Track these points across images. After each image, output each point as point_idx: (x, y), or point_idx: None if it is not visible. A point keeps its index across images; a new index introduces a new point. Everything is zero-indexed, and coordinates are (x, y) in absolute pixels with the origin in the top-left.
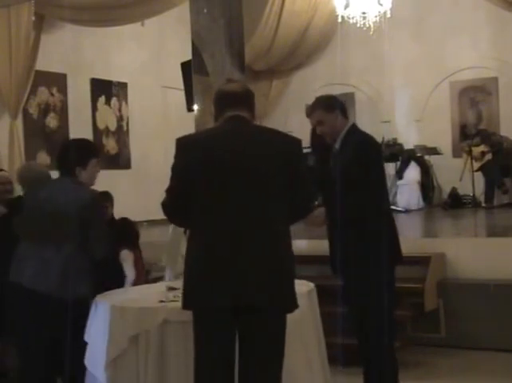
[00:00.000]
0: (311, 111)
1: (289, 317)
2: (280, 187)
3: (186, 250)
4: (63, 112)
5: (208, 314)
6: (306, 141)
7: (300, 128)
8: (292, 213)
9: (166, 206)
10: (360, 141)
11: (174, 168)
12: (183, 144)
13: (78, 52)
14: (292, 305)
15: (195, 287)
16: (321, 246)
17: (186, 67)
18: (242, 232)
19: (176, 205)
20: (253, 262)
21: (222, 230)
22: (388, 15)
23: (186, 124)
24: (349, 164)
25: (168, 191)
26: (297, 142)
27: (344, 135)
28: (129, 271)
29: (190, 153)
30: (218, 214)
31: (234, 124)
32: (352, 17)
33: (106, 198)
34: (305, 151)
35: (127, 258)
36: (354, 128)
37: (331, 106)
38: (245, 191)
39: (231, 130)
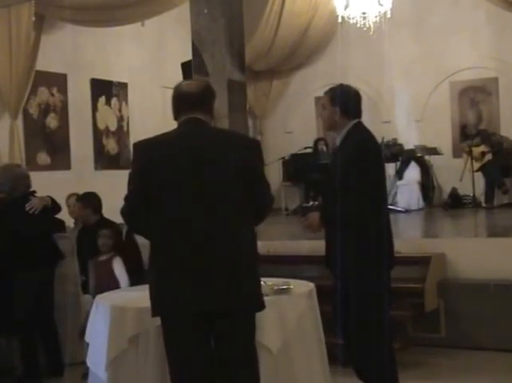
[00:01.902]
0: (326, 92)
1: (290, 317)
2: (238, 188)
3: (148, 258)
4: (63, 113)
5: (175, 320)
6: (308, 141)
7: (300, 128)
8: (250, 215)
9: (125, 213)
10: (359, 141)
11: (131, 173)
12: (139, 148)
13: (78, 52)
14: (257, 305)
15: (161, 294)
16: (321, 247)
17: (186, 67)
18: (201, 235)
19: (135, 211)
20: (213, 264)
21: (181, 234)
22: (388, 15)
23: None
24: (348, 164)
25: (126, 197)
26: (255, 143)
27: (345, 133)
28: (123, 276)
29: (146, 156)
30: (175, 218)
31: (190, 127)
32: (353, 18)
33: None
34: (307, 151)
35: (119, 265)
36: (357, 127)
37: (333, 100)
38: (202, 193)
39: (187, 132)
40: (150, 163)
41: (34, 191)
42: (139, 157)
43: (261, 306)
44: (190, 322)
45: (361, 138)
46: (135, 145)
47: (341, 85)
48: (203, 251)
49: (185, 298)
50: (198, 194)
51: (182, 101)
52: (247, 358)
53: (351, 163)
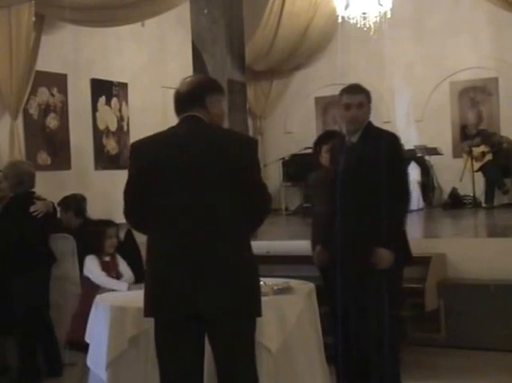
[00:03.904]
0: (357, 91)
1: (289, 317)
2: (233, 187)
3: (145, 257)
4: (63, 113)
5: (168, 321)
6: (308, 142)
7: (300, 128)
8: (248, 215)
9: (126, 214)
10: (392, 140)
11: (128, 173)
12: (135, 148)
13: (78, 52)
14: (252, 307)
15: (155, 295)
16: None
17: None
18: (200, 235)
19: (134, 211)
20: (211, 265)
21: (179, 233)
22: (388, 15)
23: None
24: (387, 162)
25: (124, 198)
26: (251, 142)
27: (363, 130)
28: (127, 271)
29: (141, 156)
30: (168, 217)
31: (186, 125)
32: (353, 18)
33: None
34: (307, 151)
35: (121, 260)
36: (371, 124)
37: (369, 97)
38: (194, 193)
39: (182, 131)
40: (145, 165)
41: (34, 192)
42: (135, 159)
43: (257, 311)
44: (183, 323)
45: (392, 136)
46: (132, 146)
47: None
48: (201, 251)
49: (180, 298)
50: (192, 194)
51: (176, 100)
52: (245, 359)
53: (391, 162)
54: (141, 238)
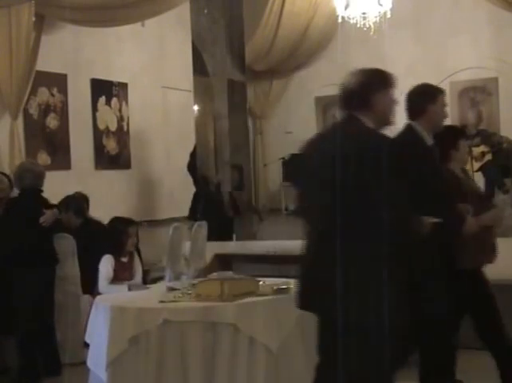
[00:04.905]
0: (442, 91)
1: (289, 317)
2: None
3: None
4: (63, 113)
5: None
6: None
7: (300, 128)
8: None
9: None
10: None
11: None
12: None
13: (78, 52)
14: None
15: None
16: None
17: None
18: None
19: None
20: None
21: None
22: (388, 15)
23: (186, 124)
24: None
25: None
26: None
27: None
28: (139, 271)
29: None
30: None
31: (337, 125)
32: (353, 18)
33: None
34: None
35: (137, 259)
36: None
37: None
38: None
39: (329, 132)
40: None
41: (40, 190)
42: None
43: None
44: None
45: None
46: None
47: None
48: None
49: None
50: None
51: (340, 96)
52: None
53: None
54: (154, 238)
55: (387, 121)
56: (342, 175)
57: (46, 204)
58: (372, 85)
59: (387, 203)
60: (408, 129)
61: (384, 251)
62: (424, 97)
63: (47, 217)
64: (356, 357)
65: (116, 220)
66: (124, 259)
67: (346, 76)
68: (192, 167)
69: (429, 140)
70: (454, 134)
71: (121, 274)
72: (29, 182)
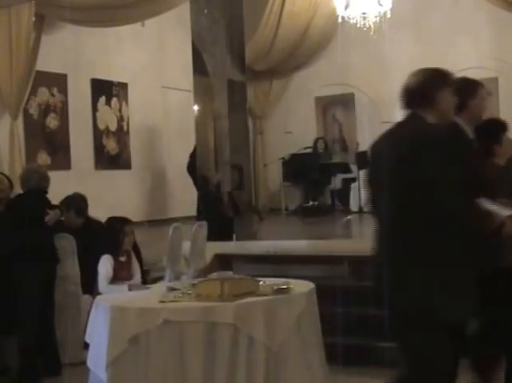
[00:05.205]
0: (481, 85)
1: (289, 316)
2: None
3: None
4: (63, 113)
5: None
6: (308, 141)
7: (300, 128)
8: None
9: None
10: None
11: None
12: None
13: (78, 52)
14: None
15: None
16: (321, 247)
17: None
18: None
19: None
20: None
21: None
22: (388, 15)
23: (186, 124)
24: None
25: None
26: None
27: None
28: (138, 271)
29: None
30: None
31: (401, 124)
32: (353, 18)
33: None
34: (307, 151)
35: (134, 259)
36: None
37: None
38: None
39: (394, 130)
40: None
41: (45, 191)
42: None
43: None
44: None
45: None
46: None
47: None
48: None
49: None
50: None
51: (402, 95)
52: None
53: None
54: (154, 238)
55: (448, 118)
56: (410, 172)
57: (49, 205)
58: (434, 84)
59: (454, 197)
60: (453, 125)
61: (457, 244)
62: (465, 92)
63: (51, 216)
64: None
65: (112, 220)
66: (122, 259)
67: (408, 77)
68: (192, 168)
69: (471, 135)
70: (497, 128)
71: (120, 274)
72: (35, 183)
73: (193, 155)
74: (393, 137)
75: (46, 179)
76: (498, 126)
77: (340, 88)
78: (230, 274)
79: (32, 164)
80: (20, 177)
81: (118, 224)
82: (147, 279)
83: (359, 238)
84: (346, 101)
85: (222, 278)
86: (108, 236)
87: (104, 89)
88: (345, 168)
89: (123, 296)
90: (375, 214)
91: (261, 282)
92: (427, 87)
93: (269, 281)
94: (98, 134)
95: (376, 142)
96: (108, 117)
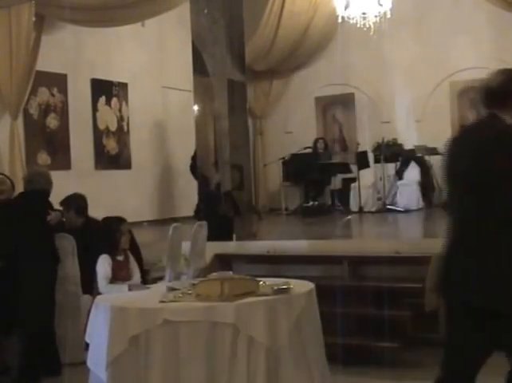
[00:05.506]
0: None
1: (289, 316)
2: None
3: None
4: (63, 113)
5: None
6: (308, 141)
7: (300, 128)
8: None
9: None
10: None
11: None
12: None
13: (78, 52)
14: None
15: None
16: (321, 246)
17: None
18: None
19: None
20: None
21: None
22: (388, 15)
23: (186, 124)
24: None
25: None
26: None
27: None
28: (136, 270)
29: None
30: None
31: (479, 123)
32: (353, 18)
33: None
34: (307, 151)
35: (132, 258)
36: None
37: None
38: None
39: (472, 129)
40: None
41: (46, 193)
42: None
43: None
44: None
45: None
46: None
47: None
48: None
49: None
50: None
51: (482, 95)
52: None
53: None
54: (154, 238)
55: None
56: (486, 169)
57: (51, 208)
58: None
59: None
60: None
61: None
62: None
63: (53, 216)
64: None
65: (107, 219)
66: (120, 258)
67: (487, 77)
68: (194, 170)
69: None
70: None
71: (119, 274)
72: (41, 186)
73: (194, 157)
74: (475, 138)
75: (50, 183)
76: None
77: (340, 88)
78: (230, 274)
79: (38, 167)
80: (24, 178)
81: (114, 224)
82: (147, 279)
83: (359, 238)
84: (346, 101)
85: (222, 278)
86: (105, 236)
87: (104, 89)
88: (345, 168)
89: (123, 296)
90: (453, 211)
91: (261, 282)
92: (507, 87)
93: (269, 281)
94: (98, 134)
95: (453, 141)
96: (108, 117)
